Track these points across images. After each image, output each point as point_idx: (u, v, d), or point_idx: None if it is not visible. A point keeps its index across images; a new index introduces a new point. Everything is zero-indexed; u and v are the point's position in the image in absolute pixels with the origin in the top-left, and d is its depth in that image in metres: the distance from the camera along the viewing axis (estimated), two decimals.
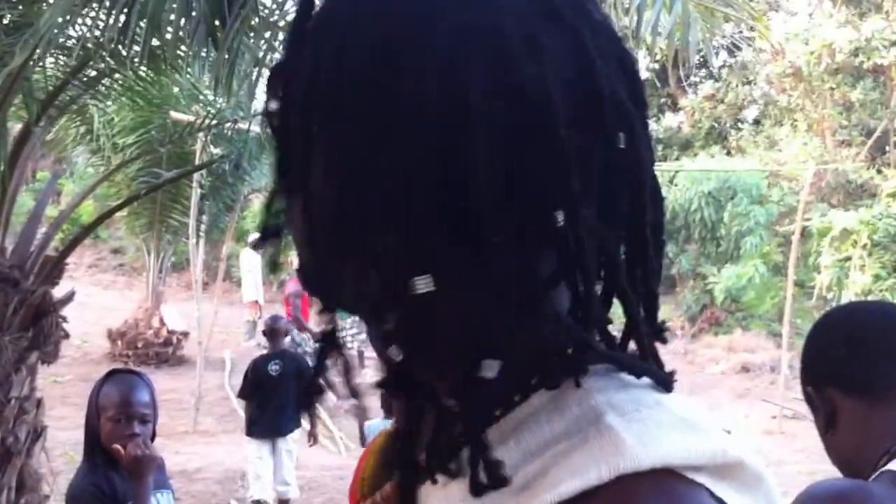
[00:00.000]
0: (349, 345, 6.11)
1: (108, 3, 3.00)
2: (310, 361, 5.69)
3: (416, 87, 0.47)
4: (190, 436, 7.26)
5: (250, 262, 10.93)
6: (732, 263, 11.97)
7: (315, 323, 7.27)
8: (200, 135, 6.38)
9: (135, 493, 2.18)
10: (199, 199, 8.05)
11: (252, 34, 3.34)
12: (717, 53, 14.25)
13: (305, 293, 0.60)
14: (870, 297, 9.68)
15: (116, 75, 4.21)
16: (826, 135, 13.70)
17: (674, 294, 12.20)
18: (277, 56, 3.30)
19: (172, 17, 2.93)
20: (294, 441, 5.46)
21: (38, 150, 4.76)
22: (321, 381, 0.56)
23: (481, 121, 0.46)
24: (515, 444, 0.47)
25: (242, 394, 5.40)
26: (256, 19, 3.17)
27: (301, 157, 0.51)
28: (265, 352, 5.53)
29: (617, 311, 0.53)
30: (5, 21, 3.62)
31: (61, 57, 3.98)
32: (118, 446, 2.20)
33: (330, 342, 0.55)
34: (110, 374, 2.41)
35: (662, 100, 16.04)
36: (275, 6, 3.50)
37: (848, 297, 10.01)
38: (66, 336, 3.79)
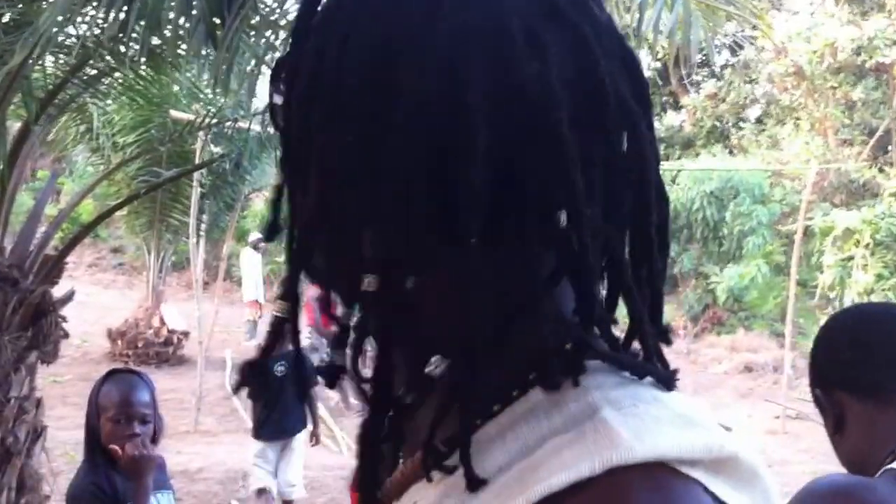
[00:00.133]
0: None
1: (106, 1, 2.98)
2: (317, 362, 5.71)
3: (415, 86, 0.47)
4: (191, 436, 7.26)
5: (251, 262, 10.93)
6: (735, 263, 11.97)
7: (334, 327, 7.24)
8: (201, 133, 6.37)
9: (134, 494, 2.18)
10: (200, 198, 8.04)
11: (253, 33, 3.33)
12: (719, 52, 14.22)
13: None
14: (872, 297, 9.68)
15: (116, 74, 4.20)
16: (828, 134, 13.69)
17: (676, 294, 12.20)
18: (278, 55, 3.28)
19: (171, 15, 2.92)
20: (302, 441, 5.47)
21: (37, 149, 4.74)
22: (320, 375, 0.57)
23: (481, 121, 0.46)
24: (513, 438, 0.47)
25: (250, 394, 5.40)
26: (257, 18, 3.16)
27: (302, 153, 0.52)
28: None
29: (622, 311, 0.52)
30: (5, 19, 3.61)
31: (61, 55, 3.97)
32: (116, 446, 2.19)
33: (341, 339, 0.55)
34: (110, 374, 2.41)
35: (664, 98, 16.03)
36: (275, 4, 3.49)
37: (850, 296, 10.02)
38: (66, 336, 3.78)
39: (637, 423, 0.45)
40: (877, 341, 1.18)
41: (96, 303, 11.18)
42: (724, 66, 15.83)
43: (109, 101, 5.67)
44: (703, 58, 11.32)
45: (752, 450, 0.48)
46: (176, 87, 5.98)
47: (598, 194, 0.48)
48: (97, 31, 3.41)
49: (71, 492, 2.27)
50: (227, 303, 10.81)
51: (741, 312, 11.90)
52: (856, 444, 1.17)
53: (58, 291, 3.75)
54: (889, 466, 1.11)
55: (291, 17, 3.23)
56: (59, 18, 2.92)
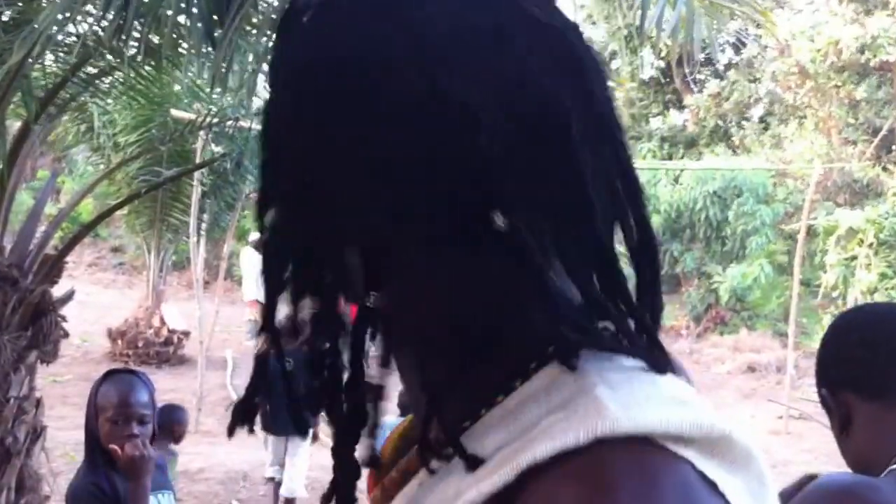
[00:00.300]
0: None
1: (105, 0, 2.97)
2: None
3: (358, 100, 0.49)
4: (192, 436, 7.21)
5: (252, 261, 10.93)
6: (738, 263, 11.96)
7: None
8: (201, 133, 6.37)
9: (132, 494, 2.17)
10: (200, 197, 8.03)
11: (255, 31, 3.32)
12: (722, 50, 14.21)
13: None
14: (876, 296, 9.68)
15: (117, 73, 4.19)
16: (832, 133, 13.67)
17: (678, 293, 12.19)
18: None
19: (170, 13, 2.91)
20: (308, 441, 5.46)
21: (37, 148, 4.74)
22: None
23: (408, 131, 0.48)
24: (513, 420, 0.48)
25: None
26: (259, 17, 3.15)
27: (272, 158, 0.55)
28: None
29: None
30: (4, 18, 3.60)
31: (61, 54, 3.96)
32: (116, 447, 2.18)
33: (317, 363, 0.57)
34: (108, 375, 2.41)
35: (667, 97, 16.01)
36: (276, 3, 3.48)
37: (854, 296, 10.01)
38: (66, 335, 3.78)
39: (627, 398, 0.45)
40: (884, 341, 1.18)
41: (96, 302, 11.17)
42: (727, 66, 15.80)
43: (110, 101, 5.65)
44: (707, 56, 11.31)
45: (747, 433, 0.47)
46: (177, 87, 5.97)
47: (538, 190, 0.49)
48: (97, 30, 3.40)
49: (71, 492, 2.28)
50: (228, 302, 10.79)
51: (744, 312, 11.88)
52: (862, 445, 1.17)
53: (58, 291, 3.74)
54: (894, 467, 1.11)
55: None
56: (59, 17, 2.91)
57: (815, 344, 1.31)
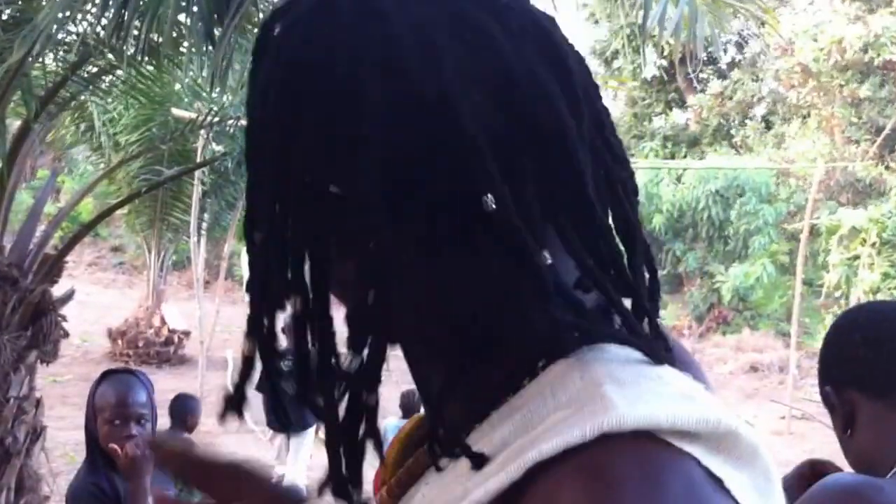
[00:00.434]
0: None
1: None
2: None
3: (321, 109, 0.50)
4: (192, 436, 7.25)
5: None
6: (740, 262, 11.96)
7: None
8: (202, 132, 6.36)
9: (132, 494, 2.16)
10: (201, 196, 8.04)
11: (255, 30, 3.30)
12: (725, 50, 14.20)
13: None
14: (878, 296, 9.67)
15: (117, 72, 4.19)
16: (835, 132, 13.65)
17: (681, 293, 12.19)
18: None
19: (170, 11, 2.90)
20: (311, 438, 5.47)
21: (37, 148, 4.73)
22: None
23: (382, 131, 0.48)
24: (520, 417, 0.48)
25: (258, 386, 5.39)
26: (259, 15, 3.14)
27: (263, 165, 0.56)
28: None
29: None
30: (4, 16, 3.60)
31: (61, 53, 3.96)
32: (115, 447, 2.17)
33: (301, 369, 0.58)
34: (106, 375, 2.40)
35: (670, 96, 16.00)
36: (276, 1, 3.47)
37: (857, 295, 10.00)
38: (66, 335, 3.77)
39: (633, 394, 0.45)
40: (887, 339, 1.17)
41: (96, 302, 11.17)
42: (730, 65, 15.79)
43: (110, 100, 5.65)
44: (709, 55, 11.28)
45: (753, 431, 0.47)
46: (177, 85, 5.96)
47: (526, 183, 0.49)
48: (98, 29, 3.39)
49: (71, 492, 2.28)
50: (229, 302, 10.79)
51: (746, 312, 11.89)
52: (865, 444, 1.17)
53: (57, 290, 3.73)
54: None
55: None
56: (59, 15, 2.90)
57: (818, 344, 1.30)
